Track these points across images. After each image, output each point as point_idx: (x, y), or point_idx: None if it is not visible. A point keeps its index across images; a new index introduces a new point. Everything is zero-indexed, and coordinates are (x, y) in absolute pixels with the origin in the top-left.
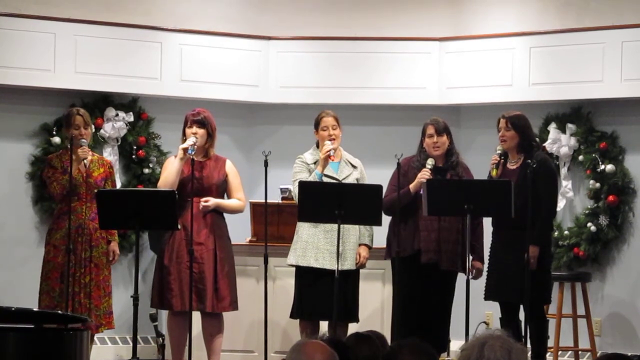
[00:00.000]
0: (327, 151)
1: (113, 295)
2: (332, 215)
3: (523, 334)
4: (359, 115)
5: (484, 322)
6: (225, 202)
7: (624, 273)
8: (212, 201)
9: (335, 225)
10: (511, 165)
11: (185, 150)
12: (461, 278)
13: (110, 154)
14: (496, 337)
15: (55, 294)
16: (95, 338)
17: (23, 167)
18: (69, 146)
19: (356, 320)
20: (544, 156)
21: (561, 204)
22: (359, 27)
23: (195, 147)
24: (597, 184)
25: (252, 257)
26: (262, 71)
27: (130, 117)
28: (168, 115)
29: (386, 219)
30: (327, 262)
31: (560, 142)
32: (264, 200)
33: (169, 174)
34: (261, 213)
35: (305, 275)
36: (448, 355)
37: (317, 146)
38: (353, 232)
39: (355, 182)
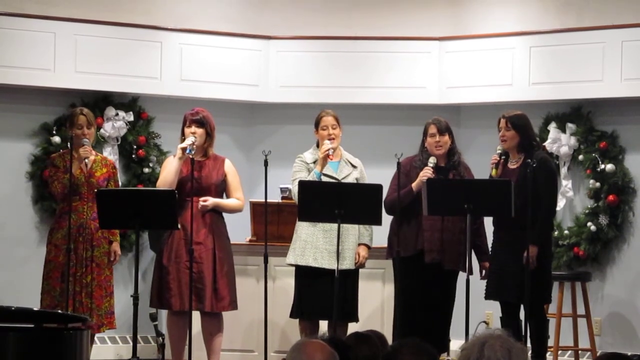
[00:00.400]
0: (326, 150)
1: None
2: (332, 215)
3: (523, 333)
4: (359, 115)
5: (484, 322)
6: (224, 201)
7: (624, 273)
8: (210, 201)
9: (334, 225)
10: (512, 165)
11: (183, 149)
12: (461, 277)
13: (110, 154)
14: (496, 336)
15: (56, 294)
16: (95, 337)
17: (23, 166)
18: (68, 145)
19: (356, 320)
20: (544, 156)
21: (561, 203)
22: (359, 27)
23: (194, 146)
24: (597, 184)
25: (252, 257)
26: (262, 71)
27: (130, 117)
28: (168, 114)
29: (387, 219)
30: (325, 262)
31: (560, 142)
32: (264, 200)
33: (168, 173)
34: (261, 212)
35: (304, 275)
36: (448, 355)
37: (318, 146)
38: (352, 232)
39: (355, 181)
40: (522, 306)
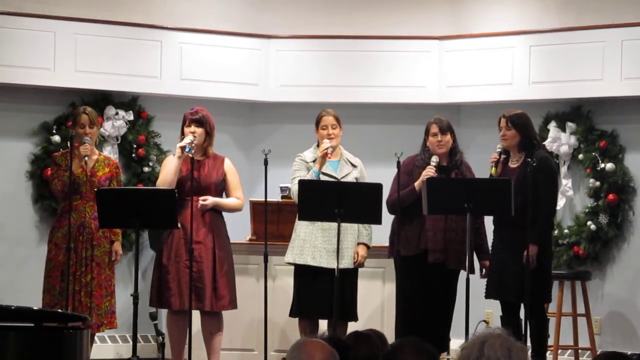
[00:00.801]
0: (325, 149)
1: None
2: (332, 214)
3: (523, 332)
4: (359, 114)
5: (484, 321)
6: (223, 200)
7: (623, 272)
8: (210, 200)
9: (333, 224)
10: (512, 164)
11: (182, 148)
12: (461, 277)
13: (110, 153)
14: (496, 335)
15: (55, 293)
16: (95, 336)
17: (23, 165)
18: (68, 144)
19: (355, 319)
20: (544, 155)
21: (561, 202)
22: (359, 26)
23: (193, 145)
24: (597, 183)
25: (252, 256)
26: (262, 70)
27: (130, 116)
28: (168, 113)
29: (389, 218)
30: (324, 261)
31: (560, 141)
32: (263, 199)
33: (167, 172)
34: (261, 212)
35: (303, 274)
36: (448, 354)
37: (318, 145)
38: (351, 231)
39: (355, 181)
40: (522, 305)
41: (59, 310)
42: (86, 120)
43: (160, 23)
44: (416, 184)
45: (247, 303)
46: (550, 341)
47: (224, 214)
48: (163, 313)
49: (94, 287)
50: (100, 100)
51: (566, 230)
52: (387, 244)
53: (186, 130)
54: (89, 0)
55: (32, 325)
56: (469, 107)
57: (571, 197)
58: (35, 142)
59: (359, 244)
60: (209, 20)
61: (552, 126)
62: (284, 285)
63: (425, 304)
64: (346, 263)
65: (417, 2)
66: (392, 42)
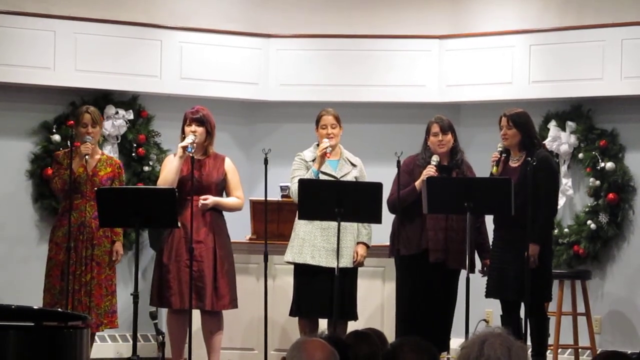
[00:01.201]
0: (324, 149)
1: None
2: (332, 213)
3: (523, 331)
4: (359, 113)
5: (484, 320)
6: (224, 200)
7: (623, 271)
8: (210, 199)
9: (332, 223)
10: (513, 163)
11: (184, 148)
12: (461, 276)
13: (110, 152)
14: (496, 334)
15: (55, 292)
16: (95, 336)
17: (23, 165)
18: (68, 143)
19: (355, 318)
20: (545, 154)
21: (561, 201)
22: (359, 25)
23: (195, 145)
24: (597, 182)
25: (252, 255)
26: (262, 69)
27: (130, 115)
28: (168, 113)
29: (389, 217)
30: (323, 260)
31: (560, 140)
32: (264, 198)
33: (168, 172)
34: (261, 211)
35: (302, 273)
36: (448, 353)
37: (318, 144)
38: (350, 230)
39: (354, 180)
40: (522, 304)
41: (59, 309)
42: (89, 120)
43: (161, 22)
44: (416, 183)
45: (247, 302)
46: (550, 340)
47: (224, 213)
48: (163, 312)
49: (94, 287)
50: (101, 99)
51: (566, 230)
52: (387, 243)
53: (187, 129)
54: (89, 0)
55: (32, 324)
56: (469, 106)
57: (571, 197)
58: (35, 142)
59: (358, 243)
60: (209, 20)
61: (552, 125)
62: (284, 285)
63: (425, 303)
64: (345, 262)
65: (417, 1)
66: (392, 41)
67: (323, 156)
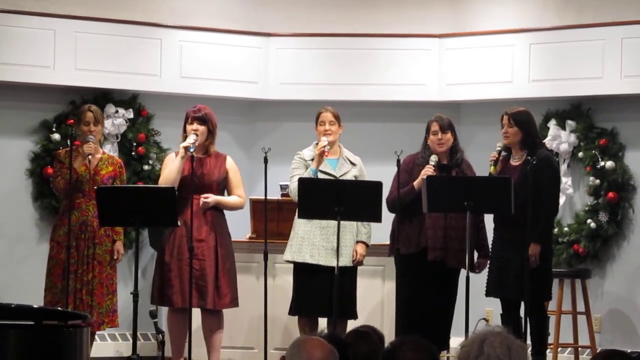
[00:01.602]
0: (322, 147)
1: None
2: (332, 212)
3: (523, 330)
4: (359, 112)
5: (484, 319)
6: (225, 198)
7: (623, 270)
8: (212, 198)
9: (332, 222)
10: (514, 162)
11: (186, 148)
12: (461, 275)
13: (110, 151)
14: (496, 333)
15: (57, 291)
16: (95, 335)
17: (23, 164)
18: (68, 142)
19: (354, 317)
20: (547, 154)
21: (561, 200)
22: (358, 24)
23: (196, 144)
24: (597, 181)
25: (251, 254)
26: (262, 68)
27: (130, 114)
28: (168, 112)
29: (389, 216)
30: (322, 259)
31: (560, 139)
32: (263, 197)
33: (170, 171)
34: (261, 210)
35: (301, 272)
36: (448, 352)
37: (317, 143)
38: (349, 229)
39: (354, 179)
40: (522, 303)
41: (59, 308)
42: (91, 118)
43: (160, 21)
44: (415, 183)
45: (247, 301)
46: (550, 339)
47: (225, 212)
48: (163, 311)
49: (96, 286)
50: (100, 98)
51: (566, 229)
52: (387, 242)
53: (188, 127)
54: None
55: (32, 323)
56: (469, 105)
57: (571, 195)
58: (35, 140)
59: (357, 242)
60: (209, 18)
61: (552, 124)
62: (284, 284)
63: (425, 302)
64: (344, 261)
65: (417, 0)
66: (392, 40)
67: (321, 155)
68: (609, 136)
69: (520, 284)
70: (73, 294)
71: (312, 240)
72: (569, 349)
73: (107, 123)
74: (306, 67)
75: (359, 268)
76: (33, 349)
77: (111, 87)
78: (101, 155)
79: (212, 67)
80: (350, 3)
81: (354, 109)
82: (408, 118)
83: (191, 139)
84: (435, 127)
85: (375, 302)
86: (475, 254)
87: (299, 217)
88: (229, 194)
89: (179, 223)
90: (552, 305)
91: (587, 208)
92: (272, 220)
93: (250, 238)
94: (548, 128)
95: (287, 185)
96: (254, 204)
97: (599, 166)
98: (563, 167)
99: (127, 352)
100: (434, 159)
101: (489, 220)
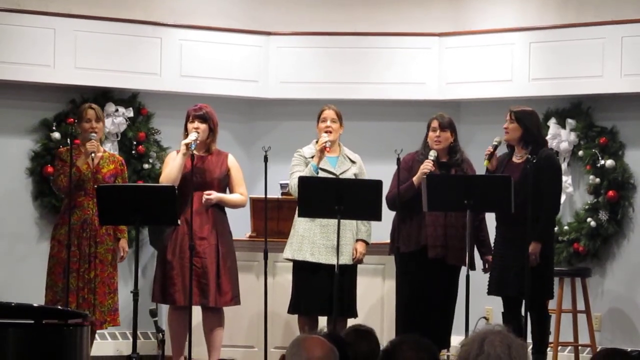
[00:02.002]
0: (323, 143)
1: None
2: (332, 211)
3: (524, 329)
4: (359, 111)
5: (484, 318)
6: (227, 196)
7: (623, 268)
8: (214, 195)
9: (332, 220)
10: (516, 160)
11: (187, 146)
12: (461, 273)
13: (110, 150)
14: (496, 332)
15: (58, 289)
16: (95, 334)
17: (23, 162)
18: (68, 141)
19: (354, 315)
20: (549, 152)
21: (561, 199)
22: (358, 23)
23: (197, 142)
24: (597, 180)
25: (252, 253)
26: (262, 67)
27: (130, 113)
28: (168, 110)
29: (389, 215)
30: (322, 257)
31: (560, 138)
32: (263, 196)
33: (171, 169)
34: (261, 208)
35: (301, 270)
36: (448, 350)
37: (317, 141)
38: (349, 227)
39: (353, 177)
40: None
41: (59, 307)
42: (93, 115)
43: (160, 20)
44: (414, 178)
45: (247, 300)
46: (550, 338)
47: (225, 210)
48: (163, 310)
49: (98, 284)
50: (100, 97)
51: (566, 227)
52: (387, 240)
53: (189, 126)
54: None
55: (32, 322)
56: (469, 104)
57: (571, 194)
58: (35, 139)
59: (357, 240)
60: (209, 17)
61: (552, 123)
62: (284, 282)
63: (425, 301)
64: (345, 259)
65: None
66: (392, 38)
67: (322, 151)
68: (609, 135)
69: (521, 282)
70: (75, 292)
71: (313, 239)
72: (569, 347)
73: (107, 122)
74: (306, 66)
75: (359, 266)
76: (33, 348)
77: (111, 85)
78: (102, 154)
79: (212, 66)
80: (350, 2)
81: (354, 107)
82: (408, 117)
83: (192, 136)
84: (434, 124)
85: (375, 301)
86: (478, 253)
87: (299, 215)
88: (231, 191)
89: (179, 222)
90: (552, 304)
91: (587, 207)
92: (272, 219)
93: (250, 237)
94: (548, 127)
95: (287, 184)
96: (254, 202)
97: (599, 165)
98: (563, 166)
99: (127, 350)
100: (433, 154)
101: (490, 218)
